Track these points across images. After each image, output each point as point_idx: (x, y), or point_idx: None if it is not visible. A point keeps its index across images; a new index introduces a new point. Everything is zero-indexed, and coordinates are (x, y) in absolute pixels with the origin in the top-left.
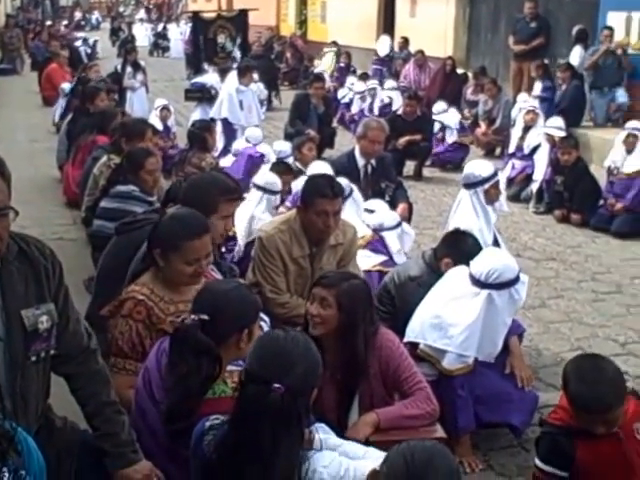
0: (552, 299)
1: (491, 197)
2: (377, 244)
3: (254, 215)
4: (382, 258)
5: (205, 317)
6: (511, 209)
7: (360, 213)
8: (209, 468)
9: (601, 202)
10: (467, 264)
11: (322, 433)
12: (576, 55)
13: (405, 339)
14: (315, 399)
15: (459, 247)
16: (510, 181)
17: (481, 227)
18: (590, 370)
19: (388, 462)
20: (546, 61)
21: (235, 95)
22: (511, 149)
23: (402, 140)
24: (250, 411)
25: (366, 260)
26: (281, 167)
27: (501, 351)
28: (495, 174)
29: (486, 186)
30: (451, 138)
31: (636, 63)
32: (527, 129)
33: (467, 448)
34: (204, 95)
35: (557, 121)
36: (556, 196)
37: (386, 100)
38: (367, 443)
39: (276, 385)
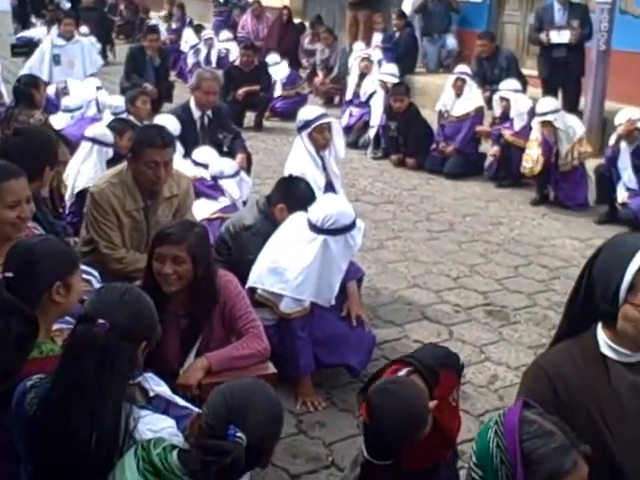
0: (390, 240)
1: (318, 142)
2: (211, 190)
3: (80, 170)
4: (221, 205)
5: (9, 274)
6: (350, 155)
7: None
8: (33, 426)
9: (434, 145)
10: (301, 209)
11: (154, 385)
12: (408, 3)
13: (246, 285)
14: (158, 349)
15: (291, 192)
16: (348, 128)
17: (312, 172)
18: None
19: (208, 403)
20: (380, 11)
21: (49, 50)
22: (348, 97)
23: (241, 91)
24: (75, 351)
25: (205, 208)
26: (118, 124)
27: (340, 295)
28: (319, 118)
29: (309, 129)
30: (280, 91)
31: (465, 10)
32: (362, 77)
33: (309, 388)
34: (31, 50)
35: (390, 68)
36: (391, 141)
37: (223, 51)
38: (200, 387)
39: (100, 321)
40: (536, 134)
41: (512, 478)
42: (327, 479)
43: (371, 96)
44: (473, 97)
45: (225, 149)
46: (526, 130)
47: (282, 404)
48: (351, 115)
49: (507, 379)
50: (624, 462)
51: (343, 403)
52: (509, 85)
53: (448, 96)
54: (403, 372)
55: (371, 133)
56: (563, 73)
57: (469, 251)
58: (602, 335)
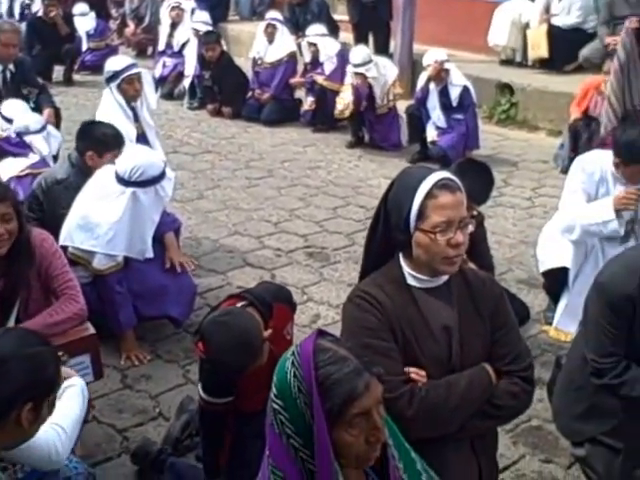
0: (209, 190)
1: (127, 93)
2: (18, 148)
3: None
4: (31, 161)
5: None
6: (165, 107)
7: None
8: None
9: (249, 93)
10: (109, 150)
11: None
12: None
13: (58, 243)
14: None
15: (94, 136)
16: (163, 79)
17: (123, 123)
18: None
19: None
20: None
21: None
22: (161, 47)
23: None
24: None
25: (14, 165)
26: None
27: (160, 247)
28: (127, 68)
29: (118, 81)
30: (86, 44)
31: None
32: (175, 26)
33: (132, 342)
34: None
35: (203, 16)
36: (207, 91)
37: (27, 1)
38: None
39: None
40: (350, 79)
41: (310, 405)
42: (155, 430)
43: (184, 45)
44: (285, 43)
45: (31, 104)
46: (337, 73)
47: (106, 360)
48: (165, 66)
49: (329, 317)
50: (430, 373)
51: (168, 354)
52: (316, 30)
53: (261, 43)
54: (238, 306)
55: (186, 83)
56: (372, 17)
57: (289, 196)
58: (404, 265)
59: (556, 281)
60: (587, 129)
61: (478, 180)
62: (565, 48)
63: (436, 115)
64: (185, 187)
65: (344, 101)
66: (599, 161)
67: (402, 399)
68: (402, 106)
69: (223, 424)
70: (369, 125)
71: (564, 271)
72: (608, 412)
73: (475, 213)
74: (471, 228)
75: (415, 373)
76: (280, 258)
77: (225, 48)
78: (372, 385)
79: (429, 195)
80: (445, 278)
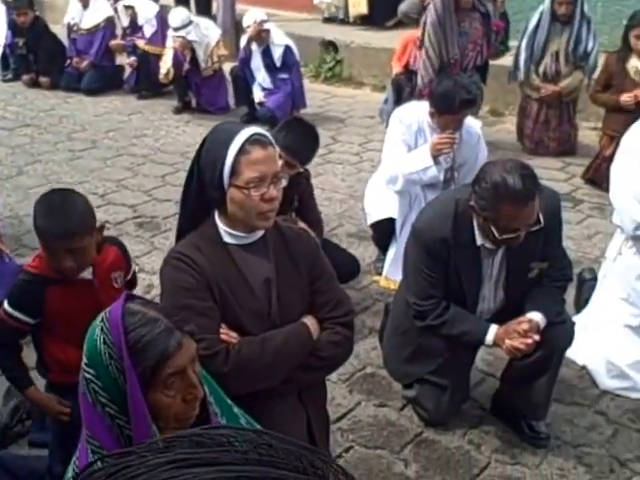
0: (29, 165)
1: None
2: None
3: None
4: None
5: None
6: None
7: None
8: None
9: (67, 62)
10: None
11: None
12: None
13: None
14: None
15: None
16: None
17: None
18: (58, 203)
19: None
20: None
21: None
22: None
23: None
24: None
25: None
26: None
27: None
28: None
29: None
30: None
31: None
32: None
33: None
34: None
35: None
36: (21, 60)
37: None
38: None
39: None
40: (171, 43)
41: (121, 370)
42: None
43: None
44: (101, 7)
45: None
46: (158, 36)
47: None
48: None
49: None
50: (250, 328)
51: None
52: None
53: (75, 8)
54: None
55: None
56: None
57: (115, 166)
58: (219, 223)
59: (384, 232)
60: (409, 83)
61: (303, 139)
62: (384, 4)
63: (261, 76)
64: (3, 164)
65: (167, 65)
66: (416, 112)
67: (218, 356)
68: (228, 68)
69: (16, 342)
70: (195, 89)
71: (391, 222)
72: (433, 352)
73: (301, 170)
74: (284, 182)
75: (225, 334)
76: (109, 231)
77: (39, 15)
78: (185, 343)
79: (241, 151)
80: (261, 233)
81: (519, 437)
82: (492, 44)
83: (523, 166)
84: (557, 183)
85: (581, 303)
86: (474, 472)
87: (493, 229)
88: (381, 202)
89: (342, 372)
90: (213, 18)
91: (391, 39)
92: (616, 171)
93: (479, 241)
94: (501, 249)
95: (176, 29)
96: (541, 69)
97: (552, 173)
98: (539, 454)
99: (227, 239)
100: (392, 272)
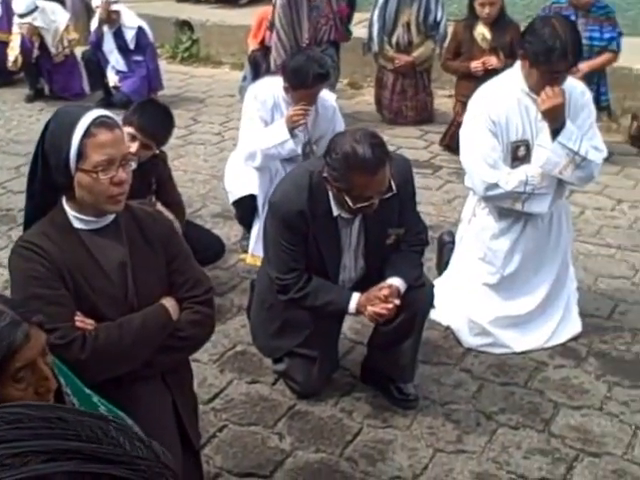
0: None
1: None
2: None
3: None
4: None
5: None
6: None
7: None
8: None
9: None
10: None
11: None
12: None
13: None
14: None
15: None
16: None
17: None
18: None
19: None
20: None
21: None
22: None
23: None
24: None
25: None
26: None
27: None
28: None
29: None
30: None
31: None
32: None
33: None
34: None
35: None
36: None
37: None
38: None
39: None
40: (17, 29)
41: None
42: None
43: None
44: None
45: None
46: (4, 21)
47: None
48: None
49: None
50: (108, 314)
51: None
52: None
53: None
54: None
55: None
56: None
57: None
58: (68, 208)
59: (246, 210)
60: (265, 59)
61: (158, 120)
62: None
63: (114, 58)
64: None
65: (15, 52)
66: (271, 88)
67: (74, 344)
68: (80, 52)
69: None
70: (47, 76)
71: (253, 199)
72: (300, 325)
73: (157, 152)
74: (134, 165)
75: (81, 321)
76: None
77: None
78: (33, 335)
79: (87, 134)
80: (112, 217)
81: (389, 401)
82: (339, 29)
83: (372, 135)
84: (417, 151)
85: (442, 266)
86: (347, 439)
87: (347, 199)
88: (241, 179)
89: (213, 352)
90: (62, 2)
91: (246, 16)
92: (464, 135)
93: (335, 211)
94: (358, 218)
95: (21, 15)
96: (394, 40)
97: (412, 141)
98: (409, 415)
99: (77, 225)
100: (257, 249)
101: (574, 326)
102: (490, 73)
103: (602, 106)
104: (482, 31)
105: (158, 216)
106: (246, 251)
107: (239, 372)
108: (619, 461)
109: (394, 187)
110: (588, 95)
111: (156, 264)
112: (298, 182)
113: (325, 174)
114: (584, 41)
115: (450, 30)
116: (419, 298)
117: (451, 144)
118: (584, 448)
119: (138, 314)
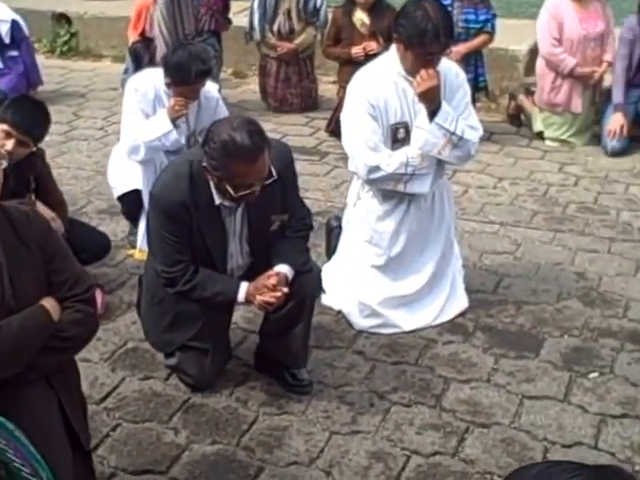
0: None
1: None
2: None
3: None
4: None
5: None
6: None
7: None
8: None
9: None
10: None
11: None
12: None
13: None
14: None
15: None
16: None
17: None
18: None
19: None
20: None
21: None
22: None
23: None
24: None
25: None
26: None
27: None
28: None
29: None
30: None
31: None
32: None
33: None
34: None
35: None
36: None
37: None
38: None
39: None
40: None
41: None
42: None
43: None
44: None
45: None
46: None
47: None
48: None
49: None
50: None
51: None
52: None
53: None
54: None
55: None
56: None
57: None
58: None
59: (132, 204)
60: (147, 50)
61: (33, 115)
62: None
63: None
64: None
65: None
66: (151, 80)
67: None
68: None
69: None
70: None
71: (138, 193)
72: (191, 318)
73: (34, 149)
74: (4, 163)
75: None
76: None
77: None
78: None
79: None
80: None
81: (284, 387)
82: (218, 19)
83: (250, 122)
84: (303, 138)
85: (331, 250)
86: (243, 428)
87: (228, 187)
88: (125, 174)
89: (103, 351)
90: None
91: (126, 7)
92: (345, 120)
93: (217, 200)
94: (241, 206)
95: None
96: (275, 28)
97: (298, 129)
98: (304, 400)
99: None
100: (145, 244)
101: (461, 302)
102: (371, 58)
103: (480, 87)
104: (361, 17)
105: (33, 215)
106: (134, 246)
107: (131, 369)
108: (507, 430)
109: (275, 173)
110: (462, 76)
111: (33, 264)
112: (178, 172)
113: (204, 164)
114: (460, 24)
115: (330, 16)
116: (307, 283)
117: (337, 130)
118: (474, 420)
119: (16, 316)
